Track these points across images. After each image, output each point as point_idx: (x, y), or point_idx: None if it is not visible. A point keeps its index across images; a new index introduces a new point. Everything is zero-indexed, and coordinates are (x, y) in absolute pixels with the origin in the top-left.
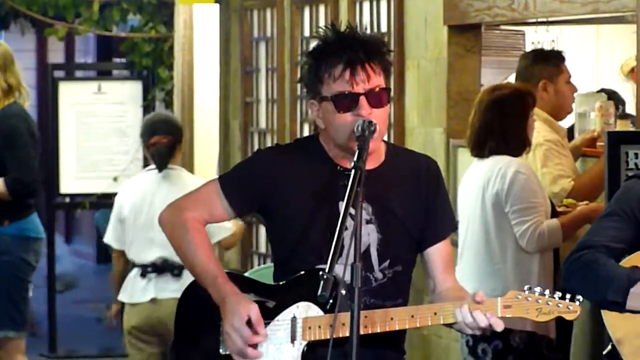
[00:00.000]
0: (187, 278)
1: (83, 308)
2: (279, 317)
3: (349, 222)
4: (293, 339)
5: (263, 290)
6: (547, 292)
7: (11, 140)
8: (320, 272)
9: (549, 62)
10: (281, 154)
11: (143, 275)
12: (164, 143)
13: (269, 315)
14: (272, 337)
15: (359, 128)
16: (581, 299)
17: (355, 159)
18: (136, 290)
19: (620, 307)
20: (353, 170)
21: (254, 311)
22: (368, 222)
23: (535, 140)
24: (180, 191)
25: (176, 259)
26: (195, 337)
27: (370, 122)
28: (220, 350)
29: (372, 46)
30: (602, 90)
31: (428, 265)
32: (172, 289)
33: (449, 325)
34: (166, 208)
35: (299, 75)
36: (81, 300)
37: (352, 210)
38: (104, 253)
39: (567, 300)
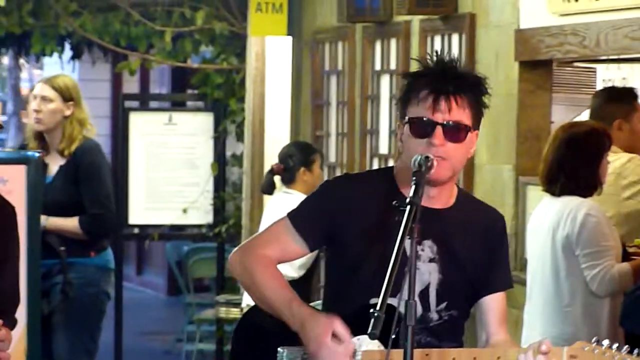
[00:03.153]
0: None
1: (151, 340)
2: None
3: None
4: None
5: None
6: (614, 345)
7: (92, 177)
8: (371, 310)
9: (624, 100)
10: (350, 185)
11: None
12: (272, 169)
13: None
14: None
15: (416, 163)
16: None
17: (411, 194)
18: None
19: None
20: (408, 206)
21: (337, 324)
22: (431, 260)
23: None
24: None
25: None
26: None
27: (427, 158)
28: None
29: (465, 81)
30: None
31: (483, 315)
32: None
33: None
34: (235, 249)
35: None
36: (149, 332)
37: (417, 247)
38: (174, 285)
39: (635, 355)
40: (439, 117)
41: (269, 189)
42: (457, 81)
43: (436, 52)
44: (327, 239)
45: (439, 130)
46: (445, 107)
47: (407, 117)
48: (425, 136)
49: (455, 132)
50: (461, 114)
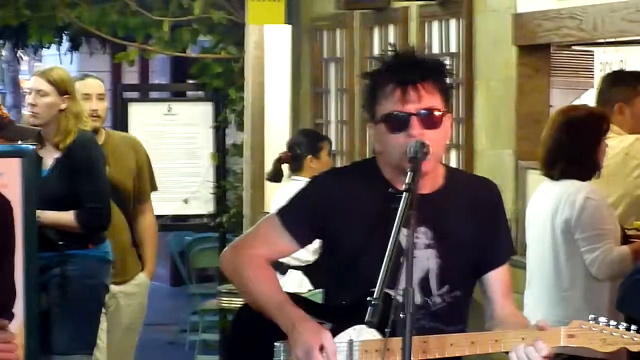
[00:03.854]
0: (290, 275)
1: (155, 330)
2: (336, 339)
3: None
4: None
5: (320, 312)
6: (612, 322)
7: (89, 171)
8: (368, 298)
9: (626, 84)
10: (337, 179)
11: None
12: (280, 158)
13: None
14: None
15: (411, 149)
16: None
17: (407, 180)
18: None
19: None
20: (404, 193)
21: (327, 337)
22: (428, 246)
23: None
24: None
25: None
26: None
27: (422, 144)
28: None
29: (428, 66)
30: None
31: (487, 290)
32: None
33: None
34: (226, 249)
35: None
36: (153, 323)
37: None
38: (178, 275)
39: (632, 332)
40: (411, 108)
41: (276, 177)
42: (420, 68)
43: (390, 44)
44: (318, 234)
45: (414, 120)
46: (415, 96)
47: (378, 116)
48: (402, 129)
49: (431, 119)
50: (432, 100)
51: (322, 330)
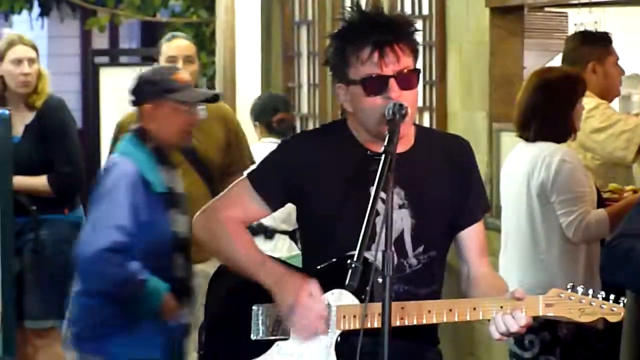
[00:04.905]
0: (279, 239)
1: None
2: None
3: (382, 208)
4: (327, 327)
5: None
6: (590, 291)
7: (61, 135)
8: (349, 261)
9: (597, 43)
10: (309, 142)
11: None
12: (283, 119)
13: None
14: None
15: (390, 111)
16: (625, 300)
17: (385, 143)
18: None
19: None
20: (383, 155)
21: (313, 284)
22: (401, 206)
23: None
24: None
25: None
26: (226, 322)
27: (401, 106)
28: (252, 336)
29: (400, 26)
30: None
31: (462, 249)
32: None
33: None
34: (199, 213)
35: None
36: None
37: (384, 196)
38: None
39: (611, 302)
40: (389, 70)
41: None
42: (394, 28)
43: (356, 4)
44: (291, 197)
45: (393, 83)
46: (392, 58)
47: (353, 78)
48: (380, 92)
49: (408, 80)
50: (408, 60)
51: (307, 278)
